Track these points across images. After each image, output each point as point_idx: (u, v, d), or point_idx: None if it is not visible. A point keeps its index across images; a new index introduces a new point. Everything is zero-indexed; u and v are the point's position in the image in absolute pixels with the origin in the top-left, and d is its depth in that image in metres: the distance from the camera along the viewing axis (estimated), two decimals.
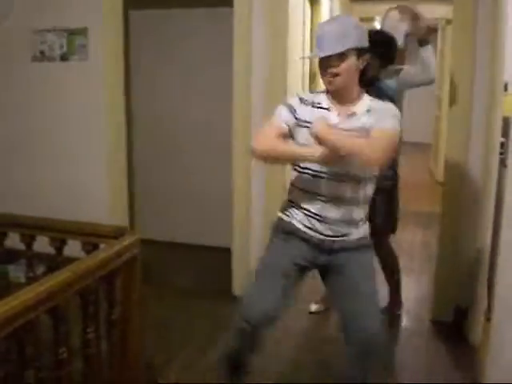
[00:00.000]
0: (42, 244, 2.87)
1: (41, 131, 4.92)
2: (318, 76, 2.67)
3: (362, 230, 2.69)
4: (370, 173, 2.60)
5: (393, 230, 4.02)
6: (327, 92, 2.61)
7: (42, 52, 4.75)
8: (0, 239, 3.07)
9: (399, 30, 3.66)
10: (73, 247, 2.78)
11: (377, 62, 3.54)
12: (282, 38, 4.26)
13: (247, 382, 2.95)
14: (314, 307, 4.24)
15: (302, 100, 2.62)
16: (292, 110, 2.59)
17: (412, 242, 6.06)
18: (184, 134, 5.67)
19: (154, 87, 5.68)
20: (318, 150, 2.39)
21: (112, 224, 3.76)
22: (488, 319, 2.94)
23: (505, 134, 2.70)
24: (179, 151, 5.71)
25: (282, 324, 3.80)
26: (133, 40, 5.50)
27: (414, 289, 4.81)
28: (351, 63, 2.49)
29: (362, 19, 8.54)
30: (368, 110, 2.54)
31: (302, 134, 2.54)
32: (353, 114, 2.55)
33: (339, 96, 2.58)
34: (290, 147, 2.56)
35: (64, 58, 4.70)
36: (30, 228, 2.92)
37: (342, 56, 2.45)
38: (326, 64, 2.48)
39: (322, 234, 2.63)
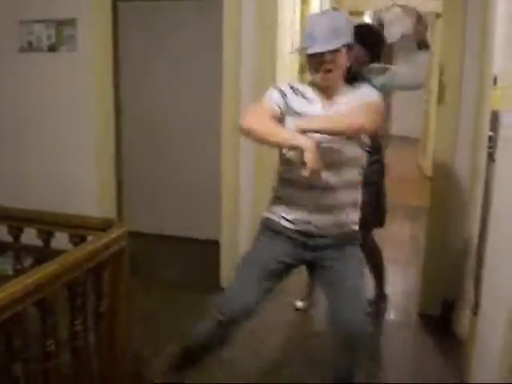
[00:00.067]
0: (30, 236, 2.86)
1: (29, 121, 4.90)
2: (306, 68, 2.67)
3: (350, 227, 2.69)
4: (356, 175, 2.63)
5: (381, 223, 4.01)
6: (312, 84, 2.62)
7: (29, 43, 4.72)
8: None
9: (397, 26, 3.65)
10: (60, 239, 2.76)
11: (366, 54, 3.55)
12: (272, 29, 4.24)
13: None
14: (299, 304, 4.23)
15: (292, 88, 2.63)
16: (283, 95, 2.59)
17: (400, 235, 6.08)
18: (172, 126, 5.65)
19: (143, 78, 5.66)
20: (304, 141, 2.32)
21: (100, 216, 3.75)
22: (475, 313, 2.95)
23: (493, 128, 2.70)
24: (168, 142, 5.69)
25: (267, 319, 3.82)
26: (121, 31, 5.46)
27: (402, 282, 4.84)
28: (343, 59, 2.52)
29: (351, 13, 8.54)
30: (349, 97, 2.58)
31: (290, 123, 2.53)
32: (336, 104, 2.57)
33: (326, 89, 2.59)
34: (277, 128, 2.49)
35: (52, 48, 4.68)
36: (18, 220, 2.91)
37: (335, 52, 2.46)
38: (320, 60, 2.48)
39: (308, 231, 2.63)
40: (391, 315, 4.22)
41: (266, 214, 2.75)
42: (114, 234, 2.58)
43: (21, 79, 4.84)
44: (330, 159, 2.47)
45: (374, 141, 3.77)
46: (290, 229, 2.65)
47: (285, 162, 2.63)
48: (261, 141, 2.54)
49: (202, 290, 4.37)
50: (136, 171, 5.78)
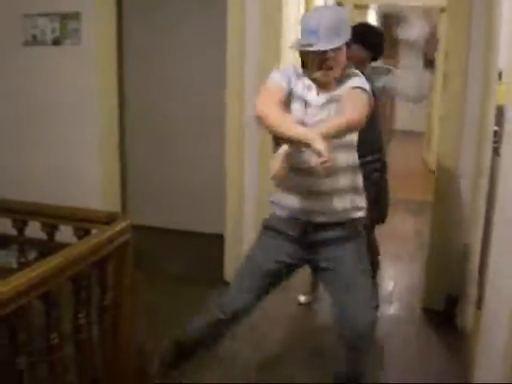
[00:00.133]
0: (34, 229, 2.86)
1: (33, 115, 4.90)
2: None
3: (351, 213, 2.66)
4: (353, 162, 2.63)
5: (382, 220, 3.99)
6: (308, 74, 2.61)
7: (34, 36, 4.72)
8: None
9: (416, 27, 3.59)
10: (64, 233, 2.77)
11: (366, 54, 3.53)
12: (276, 25, 4.24)
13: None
14: (302, 298, 4.23)
15: (296, 71, 2.63)
16: (288, 78, 2.59)
17: (404, 230, 6.07)
18: (177, 120, 5.64)
19: (147, 71, 5.65)
20: (314, 135, 2.29)
21: (104, 209, 3.75)
22: (478, 307, 2.95)
23: (498, 123, 2.70)
24: (172, 136, 5.68)
25: (270, 313, 3.83)
26: (126, 25, 5.46)
27: (406, 277, 4.84)
28: (344, 56, 2.54)
29: (356, 6, 8.53)
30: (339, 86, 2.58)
31: (295, 107, 2.56)
32: (328, 94, 2.57)
33: (323, 83, 2.59)
34: (289, 122, 2.45)
35: (56, 42, 4.68)
36: (22, 213, 2.91)
37: (337, 49, 2.47)
38: (322, 57, 2.48)
39: (306, 220, 2.62)
40: (395, 309, 4.21)
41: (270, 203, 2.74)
42: (118, 227, 2.58)
43: (25, 73, 4.84)
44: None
45: (375, 139, 3.79)
46: (287, 219, 2.65)
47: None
48: (272, 131, 2.52)
49: (205, 284, 4.37)
50: (140, 165, 5.78)
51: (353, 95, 2.50)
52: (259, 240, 2.80)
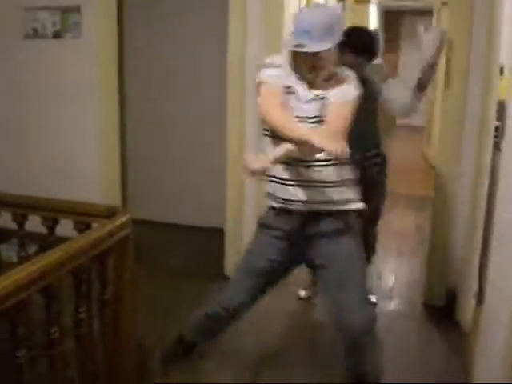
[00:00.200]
0: (34, 223, 2.85)
1: (33, 109, 4.89)
2: None
3: (343, 205, 2.66)
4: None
5: (376, 214, 3.96)
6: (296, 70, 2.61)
7: (34, 29, 4.71)
8: None
9: (431, 48, 3.52)
10: (65, 226, 2.76)
11: (359, 59, 3.47)
12: (278, 15, 4.23)
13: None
14: (303, 293, 4.23)
15: (284, 65, 2.63)
16: (278, 74, 2.60)
17: (405, 225, 6.08)
18: (178, 113, 5.64)
19: (148, 65, 5.64)
20: (315, 136, 2.35)
21: (104, 203, 3.75)
22: (479, 303, 2.95)
23: (499, 118, 2.70)
24: (172, 130, 5.68)
25: (270, 308, 3.83)
26: (126, 19, 5.44)
27: (407, 272, 4.84)
28: (334, 56, 2.55)
29: (357, 2, 8.52)
30: (333, 85, 2.58)
31: (285, 101, 2.56)
32: (316, 91, 2.58)
33: (314, 81, 2.60)
34: (291, 123, 2.51)
35: (57, 35, 4.66)
36: (22, 207, 2.90)
37: (329, 50, 2.46)
38: (314, 58, 2.47)
39: (300, 202, 2.61)
40: (396, 304, 4.22)
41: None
42: (119, 221, 2.58)
43: (26, 66, 4.83)
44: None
45: (374, 134, 3.79)
46: (281, 213, 2.66)
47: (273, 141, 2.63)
48: (276, 131, 2.54)
49: (206, 279, 4.37)
50: (140, 159, 5.77)
51: (338, 115, 2.52)
52: (255, 238, 2.83)
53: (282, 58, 2.65)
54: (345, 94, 2.56)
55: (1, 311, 1.83)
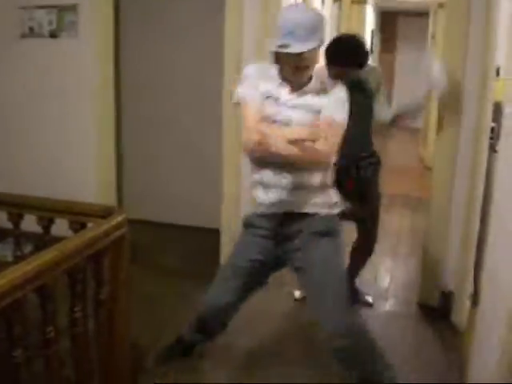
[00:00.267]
0: (30, 223, 2.85)
1: (30, 107, 4.88)
2: None
3: (318, 209, 2.68)
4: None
5: (373, 214, 3.96)
6: (279, 70, 2.62)
7: (31, 28, 4.70)
8: None
9: (441, 80, 3.53)
10: (60, 226, 2.76)
11: (343, 72, 3.43)
12: (275, 3, 4.19)
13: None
14: (298, 293, 4.21)
15: (259, 72, 2.65)
16: (254, 85, 2.61)
17: (400, 226, 6.08)
18: (174, 112, 5.62)
19: (145, 64, 5.62)
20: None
21: (100, 203, 3.75)
22: (474, 305, 2.95)
23: (495, 119, 2.70)
24: (168, 130, 5.67)
25: (265, 309, 3.84)
26: (123, 17, 5.43)
27: (402, 272, 4.84)
28: (318, 55, 2.56)
29: (353, 2, 8.53)
30: (319, 93, 2.59)
31: (266, 103, 2.58)
32: (303, 93, 2.59)
33: (296, 82, 2.61)
34: (281, 140, 2.52)
35: (53, 34, 4.66)
36: (18, 207, 2.90)
37: (312, 50, 2.47)
38: (298, 58, 2.47)
39: (282, 206, 2.65)
40: (391, 304, 4.22)
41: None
42: (115, 221, 2.58)
43: (22, 65, 4.83)
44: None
45: (368, 135, 3.80)
46: (265, 214, 2.69)
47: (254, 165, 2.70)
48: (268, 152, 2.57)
49: (201, 279, 4.35)
50: (136, 159, 5.76)
51: (333, 129, 2.54)
52: (239, 238, 2.89)
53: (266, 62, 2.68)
54: (338, 109, 2.57)
55: None
